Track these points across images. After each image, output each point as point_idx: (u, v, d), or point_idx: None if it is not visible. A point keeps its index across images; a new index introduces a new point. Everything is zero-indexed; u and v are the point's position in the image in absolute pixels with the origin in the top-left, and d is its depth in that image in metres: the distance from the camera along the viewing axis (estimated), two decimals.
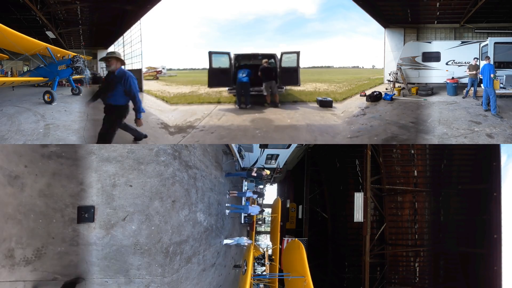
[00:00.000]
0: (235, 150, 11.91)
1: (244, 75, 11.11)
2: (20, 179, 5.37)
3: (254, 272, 10.94)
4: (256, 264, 11.89)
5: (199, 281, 7.75)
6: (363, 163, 14.31)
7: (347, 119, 9.87)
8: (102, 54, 15.93)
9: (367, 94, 12.21)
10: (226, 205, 10.72)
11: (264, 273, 11.50)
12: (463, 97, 11.38)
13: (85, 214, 5.70)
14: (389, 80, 13.50)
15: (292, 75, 12.30)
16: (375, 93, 11.98)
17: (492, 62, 10.48)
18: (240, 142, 10.89)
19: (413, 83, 13.66)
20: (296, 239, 11.82)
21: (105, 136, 6.43)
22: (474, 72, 11.04)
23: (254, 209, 11.81)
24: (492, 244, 12.71)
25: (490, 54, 11.69)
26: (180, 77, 21.17)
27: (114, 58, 6.16)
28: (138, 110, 6.46)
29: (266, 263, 11.02)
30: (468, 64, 11.89)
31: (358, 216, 15.15)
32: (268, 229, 23.21)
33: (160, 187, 6.56)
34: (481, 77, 10.07)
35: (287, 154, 15.15)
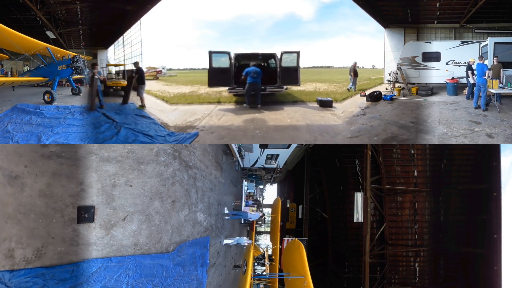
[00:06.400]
0: (235, 150, 11.91)
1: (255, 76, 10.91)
2: (20, 179, 5.37)
3: (254, 272, 10.93)
4: (256, 264, 11.88)
5: None
6: (363, 163, 14.29)
7: (347, 119, 9.87)
8: (102, 54, 15.96)
9: (367, 94, 12.21)
10: (226, 211, 10.77)
11: (264, 273, 11.48)
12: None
13: (85, 214, 5.70)
14: (389, 80, 13.50)
15: (292, 75, 12.30)
16: (375, 93, 11.98)
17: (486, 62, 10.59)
18: (240, 142, 10.89)
19: (413, 83, 13.65)
20: (296, 239, 11.80)
21: None
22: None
23: (253, 216, 11.84)
24: (492, 244, 12.70)
25: (490, 54, 11.69)
26: (180, 77, 21.19)
27: None
28: None
29: (266, 263, 11.01)
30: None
31: (358, 216, 15.13)
32: (268, 229, 23.20)
33: (160, 187, 6.57)
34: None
35: (287, 154, 15.15)
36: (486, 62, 10.67)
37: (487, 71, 10.11)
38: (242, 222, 13.31)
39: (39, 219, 5.41)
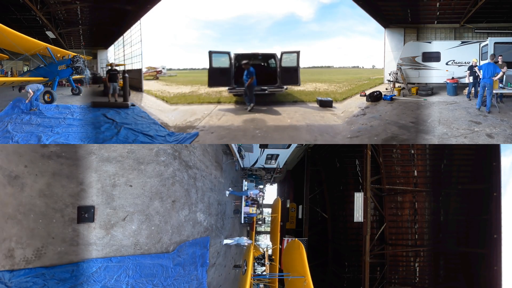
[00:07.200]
0: (235, 150, 11.91)
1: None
2: (20, 179, 5.37)
3: (254, 272, 10.93)
4: (256, 264, 11.88)
5: None
6: (363, 163, 14.29)
7: (347, 119, 9.86)
8: (102, 54, 15.96)
9: (367, 94, 12.21)
10: (229, 189, 11.12)
11: (264, 273, 11.48)
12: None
13: (85, 214, 5.70)
14: (389, 80, 13.50)
15: (292, 75, 12.31)
16: (375, 93, 11.98)
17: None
18: (240, 142, 10.90)
19: (413, 83, 13.66)
20: (296, 239, 11.80)
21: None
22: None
23: (254, 191, 12.16)
24: (492, 244, 12.69)
25: (490, 54, 11.70)
26: (180, 77, 21.20)
27: None
28: None
29: (266, 263, 11.00)
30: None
31: (358, 216, 15.14)
32: (268, 229, 23.20)
33: (160, 187, 6.57)
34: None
35: (287, 154, 15.15)
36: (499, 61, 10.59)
37: (498, 73, 9.57)
38: (242, 222, 13.30)
39: (39, 219, 5.41)
